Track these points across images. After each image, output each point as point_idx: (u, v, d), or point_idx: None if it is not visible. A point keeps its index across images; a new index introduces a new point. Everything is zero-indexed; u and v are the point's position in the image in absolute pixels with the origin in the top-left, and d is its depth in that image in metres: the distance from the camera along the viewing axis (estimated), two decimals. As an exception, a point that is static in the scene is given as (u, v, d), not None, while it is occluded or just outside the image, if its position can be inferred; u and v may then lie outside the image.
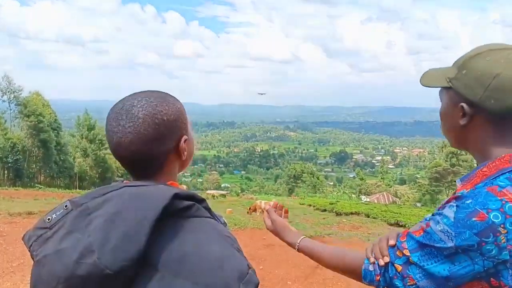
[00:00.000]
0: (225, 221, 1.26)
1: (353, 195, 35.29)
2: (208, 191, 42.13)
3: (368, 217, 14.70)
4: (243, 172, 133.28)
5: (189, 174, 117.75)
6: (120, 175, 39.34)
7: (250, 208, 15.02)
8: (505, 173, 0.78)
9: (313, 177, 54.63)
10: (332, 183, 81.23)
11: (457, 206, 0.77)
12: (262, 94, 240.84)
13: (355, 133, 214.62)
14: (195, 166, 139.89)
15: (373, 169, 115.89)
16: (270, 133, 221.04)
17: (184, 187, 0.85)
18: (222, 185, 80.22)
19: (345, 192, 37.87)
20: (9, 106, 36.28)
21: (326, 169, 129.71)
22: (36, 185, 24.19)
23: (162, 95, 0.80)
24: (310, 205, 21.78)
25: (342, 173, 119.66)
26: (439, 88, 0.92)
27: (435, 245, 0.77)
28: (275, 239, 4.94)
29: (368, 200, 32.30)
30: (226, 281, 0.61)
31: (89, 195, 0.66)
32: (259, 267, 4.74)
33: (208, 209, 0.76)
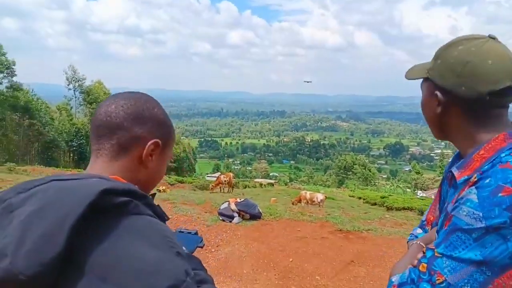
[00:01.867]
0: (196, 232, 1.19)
1: (407, 190, 33.60)
2: (256, 180, 42.70)
3: (422, 213, 13.88)
4: (292, 161, 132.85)
5: (238, 162, 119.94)
6: (172, 160, 41.21)
7: (294, 199, 14.95)
8: (505, 151, 0.79)
9: (365, 169, 52.88)
10: (385, 176, 78.07)
11: (476, 187, 0.76)
12: (308, 82, 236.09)
13: (412, 124, 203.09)
14: (245, 155, 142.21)
15: (431, 163, 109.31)
16: (321, 123, 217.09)
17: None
18: (271, 174, 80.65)
19: (399, 186, 36.22)
20: (74, 94, 39.66)
21: (379, 161, 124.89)
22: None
23: (153, 100, 0.82)
24: (359, 198, 21.14)
25: (397, 166, 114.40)
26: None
27: (463, 227, 0.74)
28: (308, 232, 4.82)
29: (424, 195, 30.49)
30: None
31: (14, 190, 0.61)
32: (289, 260, 4.65)
33: (150, 205, 0.69)
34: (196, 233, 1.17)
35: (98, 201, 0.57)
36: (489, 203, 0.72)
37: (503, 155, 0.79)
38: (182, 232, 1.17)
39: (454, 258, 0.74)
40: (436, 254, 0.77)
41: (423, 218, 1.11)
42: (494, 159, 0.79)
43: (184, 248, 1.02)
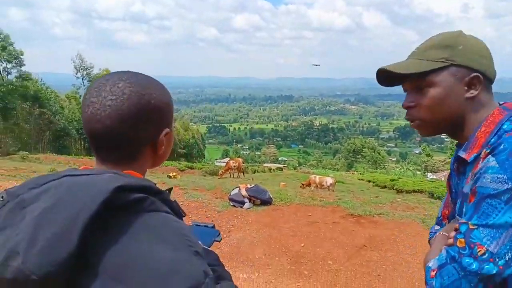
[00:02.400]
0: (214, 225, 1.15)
1: (418, 172, 33.38)
2: (265, 164, 42.86)
3: (433, 196, 13.76)
4: (300, 146, 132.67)
5: (247, 147, 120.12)
6: (182, 146, 41.46)
7: (303, 183, 14.92)
8: (505, 122, 0.83)
9: (374, 152, 52.59)
10: (395, 159, 77.58)
11: (493, 155, 0.78)
12: (316, 65, 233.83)
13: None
14: (253, 140, 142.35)
15: (442, 145, 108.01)
16: (329, 106, 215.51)
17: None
18: (280, 159, 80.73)
19: (409, 169, 36.03)
20: (83, 82, 39.85)
21: (388, 144, 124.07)
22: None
23: (155, 80, 0.73)
24: (369, 181, 21.07)
25: (407, 149, 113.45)
26: (408, 82, 0.94)
27: (491, 193, 0.74)
28: (319, 217, 4.78)
29: (434, 177, 30.25)
30: None
31: (27, 185, 0.59)
32: (301, 244, 4.65)
33: (166, 201, 0.66)
34: (213, 227, 1.14)
35: (112, 198, 0.55)
36: (510, 165, 0.74)
37: (505, 126, 0.83)
38: (199, 225, 1.13)
39: (490, 225, 0.74)
40: (470, 226, 0.76)
41: (439, 214, 1.10)
42: (497, 131, 0.83)
43: (200, 243, 0.98)
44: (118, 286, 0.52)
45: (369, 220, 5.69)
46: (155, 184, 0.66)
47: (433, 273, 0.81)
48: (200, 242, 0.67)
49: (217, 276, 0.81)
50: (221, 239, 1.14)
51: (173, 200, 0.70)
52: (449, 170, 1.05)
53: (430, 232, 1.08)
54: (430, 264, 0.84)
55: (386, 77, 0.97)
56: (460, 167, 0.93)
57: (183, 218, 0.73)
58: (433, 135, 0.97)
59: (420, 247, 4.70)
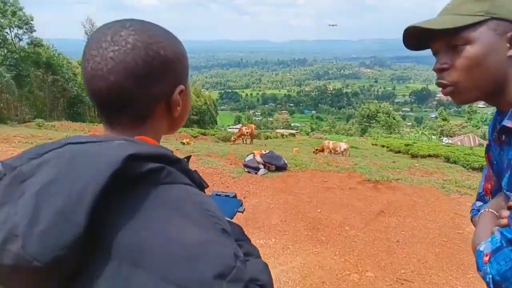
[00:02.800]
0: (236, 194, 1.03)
1: (433, 137, 32.83)
2: (278, 130, 42.77)
3: (448, 160, 13.52)
4: (314, 111, 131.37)
5: (259, 113, 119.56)
6: (194, 113, 41.48)
7: (317, 149, 14.80)
8: None
9: (389, 117, 51.62)
10: (410, 124, 76.30)
11: None
12: (333, 25, 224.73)
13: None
14: (266, 106, 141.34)
15: (459, 109, 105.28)
16: (343, 70, 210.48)
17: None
18: (292, 125, 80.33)
19: (424, 133, 35.45)
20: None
21: (404, 109, 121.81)
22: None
23: (164, 29, 0.62)
24: (383, 146, 20.86)
25: (423, 113, 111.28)
26: (437, 44, 0.82)
27: None
28: (335, 182, 4.66)
29: (450, 142, 29.72)
30: (203, 277, 0.45)
31: (25, 155, 0.51)
32: (317, 210, 4.60)
33: (186, 171, 0.58)
34: (234, 196, 1.03)
35: (123, 169, 0.46)
36: None
37: None
38: (219, 195, 1.03)
39: None
40: None
41: (479, 190, 1.00)
42: None
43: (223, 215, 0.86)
44: (136, 271, 0.45)
45: (387, 185, 5.58)
46: (172, 152, 0.57)
47: (486, 258, 0.71)
48: (223, 215, 0.60)
49: (245, 253, 0.69)
50: (244, 209, 1.03)
51: (193, 170, 0.61)
52: (487, 141, 0.93)
53: (472, 210, 0.97)
54: (481, 248, 0.74)
55: (414, 38, 0.85)
56: (502, 136, 0.82)
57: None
58: (469, 102, 0.84)
59: (439, 213, 4.60)
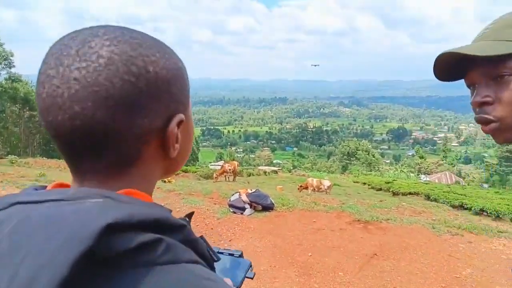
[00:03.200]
0: (242, 254, 0.84)
1: (411, 174, 33.54)
2: (260, 167, 42.57)
3: (429, 198, 13.59)
4: (295, 148, 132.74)
5: (241, 150, 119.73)
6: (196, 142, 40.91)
7: (301, 186, 14.65)
8: None
9: (368, 154, 52.63)
10: (388, 161, 77.92)
11: None
12: (315, 65, 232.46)
13: (415, 108, 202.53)
14: (247, 143, 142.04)
15: (435, 147, 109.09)
16: (323, 109, 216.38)
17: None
18: (274, 162, 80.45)
19: (402, 171, 36.19)
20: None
21: (382, 147, 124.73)
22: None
23: (153, 37, 0.45)
24: (364, 184, 20.89)
25: (400, 151, 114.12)
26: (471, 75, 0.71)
27: None
28: (325, 223, 4.42)
29: (428, 179, 30.30)
30: None
31: None
32: (308, 254, 4.35)
33: (190, 242, 0.40)
34: (241, 255, 0.82)
35: (99, 246, 0.31)
36: None
37: None
38: (221, 253, 0.82)
39: None
40: None
41: None
42: None
43: (229, 280, 0.70)
44: None
45: (377, 226, 5.41)
46: (171, 212, 0.41)
47: None
48: (228, 283, 0.55)
49: None
50: (254, 274, 0.82)
51: (199, 237, 0.44)
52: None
53: None
54: None
55: (448, 67, 0.73)
56: None
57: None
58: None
59: (433, 255, 4.43)
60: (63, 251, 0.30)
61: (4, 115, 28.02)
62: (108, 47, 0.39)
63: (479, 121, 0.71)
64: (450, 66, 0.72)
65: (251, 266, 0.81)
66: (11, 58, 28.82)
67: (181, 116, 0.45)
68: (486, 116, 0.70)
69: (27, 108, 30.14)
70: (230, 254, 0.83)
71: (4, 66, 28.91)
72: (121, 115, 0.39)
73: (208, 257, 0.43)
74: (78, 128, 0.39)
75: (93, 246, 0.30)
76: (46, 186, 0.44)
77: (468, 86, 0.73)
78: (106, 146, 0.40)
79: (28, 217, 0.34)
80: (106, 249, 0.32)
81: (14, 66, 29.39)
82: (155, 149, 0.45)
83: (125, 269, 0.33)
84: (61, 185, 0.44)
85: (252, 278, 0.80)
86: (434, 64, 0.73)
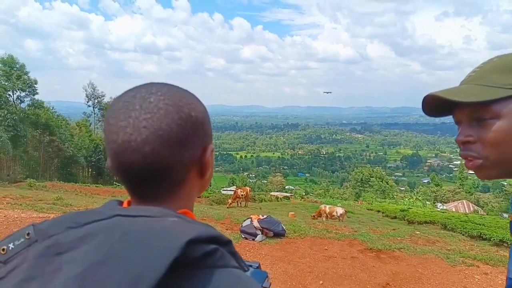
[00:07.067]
0: (260, 267, 0.96)
1: (427, 202, 32.67)
2: (272, 193, 42.24)
3: (445, 227, 13.25)
4: (307, 174, 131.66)
5: (253, 175, 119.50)
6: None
7: (314, 214, 14.55)
8: None
9: (382, 181, 51.85)
10: (403, 189, 76.33)
11: None
12: (328, 93, 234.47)
13: (429, 135, 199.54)
14: (260, 168, 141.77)
15: (451, 175, 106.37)
16: (335, 135, 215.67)
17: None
18: (286, 187, 79.82)
19: (418, 199, 35.27)
20: (93, 110, 40.69)
21: (396, 174, 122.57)
22: (115, 182, 26.31)
23: (185, 89, 0.59)
24: (378, 211, 20.50)
25: (415, 178, 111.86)
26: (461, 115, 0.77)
27: None
28: (336, 251, 4.48)
29: (445, 208, 29.50)
30: None
31: (62, 223, 0.45)
32: (319, 282, 4.34)
33: (233, 254, 0.53)
34: (258, 267, 0.93)
35: (184, 255, 0.42)
36: None
37: None
38: None
39: None
40: None
41: (510, 275, 0.88)
42: None
43: None
44: None
45: (390, 255, 5.37)
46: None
47: None
48: None
49: None
50: (270, 284, 0.92)
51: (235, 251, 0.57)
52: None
53: (510, 279, 0.85)
54: None
55: (435, 105, 0.80)
56: None
57: None
58: (495, 178, 0.78)
59: (448, 286, 4.37)
60: (161, 258, 0.40)
61: (25, 139, 28.98)
62: (163, 101, 0.52)
63: (463, 157, 0.78)
64: (437, 104, 0.79)
65: (267, 276, 0.92)
66: (35, 85, 30.21)
67: (211, 146, 0.60)
68: (471, 153, 0.76)
69: (47, 133, 31.18)
70: (249, 265, 0.94)
71: (28, 93, 30.26)
72: (177, 151, 0.52)
73: (242, 266, 0.54)
74: (148, 164, 0.51)
75: (178, 256, 0.41)
76: (122, 202, 0.57)
77: (456, 123, 0.80)
78: (166, 176, 0.53)
79: (131, 230, 0.43)
80: (187, 257, 0.43)
81: (37, 93, 30.75)
82: (194, 173, 0.58)
83: (197, 269, 0.45)
84: (128, 203, 0.57)
85: None
86: (422, 103, 0.80)
